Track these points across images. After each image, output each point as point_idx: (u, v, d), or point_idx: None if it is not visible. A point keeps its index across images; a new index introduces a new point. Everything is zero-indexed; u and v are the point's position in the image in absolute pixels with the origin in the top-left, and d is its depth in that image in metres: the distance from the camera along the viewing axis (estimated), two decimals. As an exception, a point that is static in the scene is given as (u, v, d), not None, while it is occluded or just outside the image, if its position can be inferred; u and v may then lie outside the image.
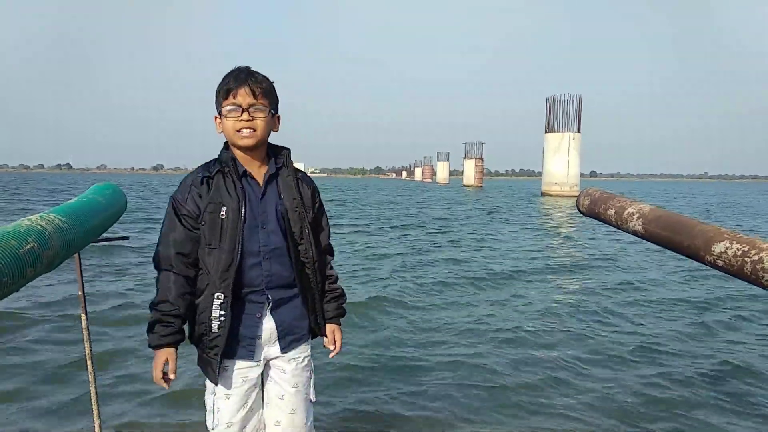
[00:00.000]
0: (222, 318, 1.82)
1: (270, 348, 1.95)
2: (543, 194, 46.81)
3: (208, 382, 1.94)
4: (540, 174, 50.35)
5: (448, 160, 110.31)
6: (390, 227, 17.29)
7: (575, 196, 3.11)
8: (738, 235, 2.22)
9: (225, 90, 1.85)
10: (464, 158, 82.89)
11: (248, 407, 1.95)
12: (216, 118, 1.90)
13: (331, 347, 2.10)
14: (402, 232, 15.87)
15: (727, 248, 2.18)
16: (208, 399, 1.96)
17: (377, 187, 77.63)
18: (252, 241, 1.86)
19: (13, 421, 3.56)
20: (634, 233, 2.72)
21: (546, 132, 48.36)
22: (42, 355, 4.75)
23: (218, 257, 1.81)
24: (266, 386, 2.02)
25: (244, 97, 1.84)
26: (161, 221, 1.90)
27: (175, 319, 1.81)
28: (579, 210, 3.00)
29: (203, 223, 1.82)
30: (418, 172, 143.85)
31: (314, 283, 1.99)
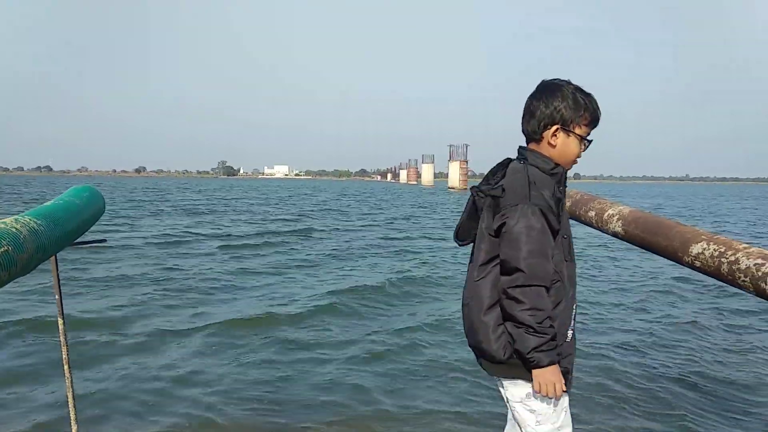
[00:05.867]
0: (574, 327, 1.93)
1: None
2: (527, 196, 47.03)
3: (536, 396, 1.85)
4: (524, 176, 50.52)
5: (433, 162, 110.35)
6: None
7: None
8: (715, 237, 2.25)
9: (595, 119, 1.94)
10: (449, 161, 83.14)
11: None
12: (558, 129, 1.90)
13: None
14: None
15: (704, 249, 2.21)
16: (552, 413, 1.86)
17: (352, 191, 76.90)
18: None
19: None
20: (614, 235, 2.74)
21: (530, 135, 48.59)
22: (18, 361, 4.67)
23: (572, 270, 1.92)
24: None
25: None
26: (517, 233, 1.76)
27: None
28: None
29: (565, 237, 1.90)
30: (403, 174, 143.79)
31: None
